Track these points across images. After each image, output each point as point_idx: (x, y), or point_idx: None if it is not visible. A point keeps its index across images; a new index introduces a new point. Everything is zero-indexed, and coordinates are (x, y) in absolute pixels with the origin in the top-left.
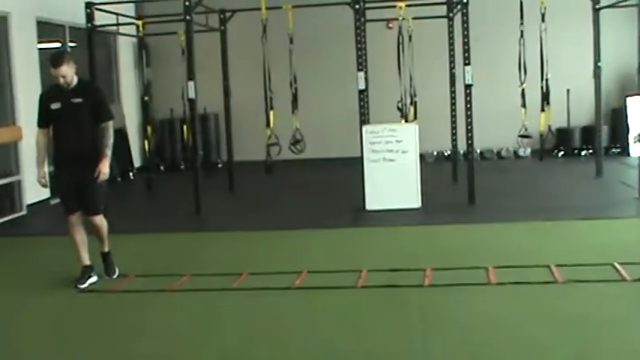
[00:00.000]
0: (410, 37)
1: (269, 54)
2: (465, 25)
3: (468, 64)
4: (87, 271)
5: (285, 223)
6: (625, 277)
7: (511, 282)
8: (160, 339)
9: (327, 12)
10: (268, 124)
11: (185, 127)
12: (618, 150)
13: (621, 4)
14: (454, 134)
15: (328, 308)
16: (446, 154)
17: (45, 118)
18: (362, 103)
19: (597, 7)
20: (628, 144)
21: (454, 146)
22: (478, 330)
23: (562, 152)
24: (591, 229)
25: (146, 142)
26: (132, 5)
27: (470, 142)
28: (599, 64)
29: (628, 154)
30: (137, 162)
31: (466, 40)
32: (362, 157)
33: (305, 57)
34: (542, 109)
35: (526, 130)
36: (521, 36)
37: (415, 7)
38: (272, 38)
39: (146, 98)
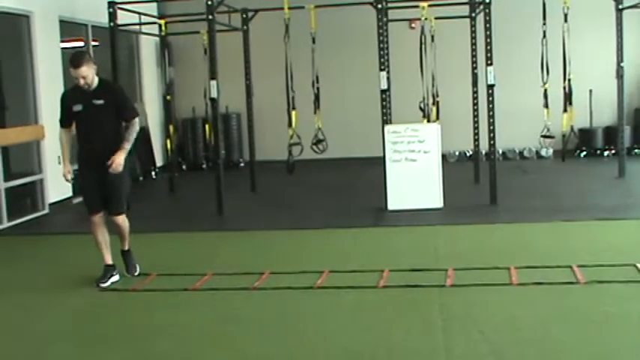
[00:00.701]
0: (432, 37)
1: (291, 54)
2: (488, 25)
3: (491, 64)
4: (109, 270)
5: (306, 222)
6: None
7: (533, 282)
8: (180, 337)
9: (349, 12)
10: (290, 124)
11: (207, 127)
12: None
13: None
14: (476, 134)
15: (349, 308)
16: (468, 154)
17: (67, 118)
18: (384, 103)
19: (620, 7)
20: None
21: (476, 146)
22: (499, 330)
23: (584, 152)
24: (613, 230)
25: (168, 142)
26: (154, 5)
27: (492, 142)
28: (621, 64)
29: None
30: (159, 161)
31: (488, 40)
32: (384, 157)
33: (327, 57)
34: (565, 110)
35: (548, 130)
36: (544, 36)
37: (437, 7)
38: (294, 38)
39: (168, 97)
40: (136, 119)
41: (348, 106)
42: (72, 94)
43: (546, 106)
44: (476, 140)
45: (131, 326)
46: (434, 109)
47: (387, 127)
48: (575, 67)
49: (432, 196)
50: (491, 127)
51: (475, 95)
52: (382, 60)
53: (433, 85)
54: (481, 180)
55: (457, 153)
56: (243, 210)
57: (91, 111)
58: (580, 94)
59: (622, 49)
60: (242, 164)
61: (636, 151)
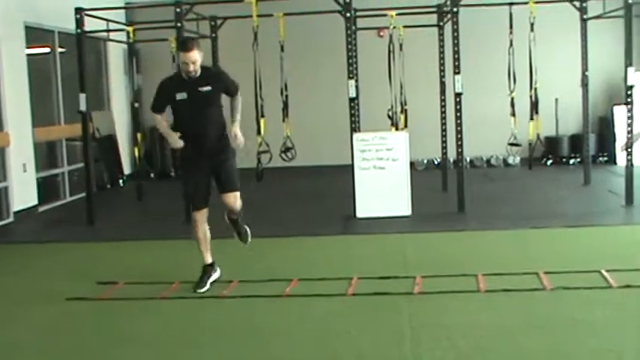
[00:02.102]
0: (401, 46)
1: (260, 62)
2: (455, 34)
3: (458, 72)
4: (209, 270)
5: (275, 230)
6: (612, 283)
7: (500, 289)
8: (148, 347)
9: (318, 20)
10: (259, 132)
11: None
12: (606, 158)
13: (608, 15)
14: (444, 142)
15: (318, 316)
16: (436, 162)
17: (163, 106)
18: (352, 111)
19: (585, 17)
20: (615, 152)
21: (444, 154)
22: (467, 337)
23: (551, 160)
24: (579, 237)
25: (136, 149)
26: (122, 11)
27: (460, 150)
28: (586, 73)
29: (615, 163)
30: (127, 169)
31: (456, 48)
32: (352, 165)
33: (296, 65)
34: (531, 118)
35: (515, 138)
36: (511, 45)
37: (406, 16)
38: (263, 46)
39: (136, 105)
40: (239, 93)
41: (316, 114)
42: (173, 82)
43: (513, 114)
44: (444, 148)
45: (99, 336)
46: (402, 117)
47: (355, 135)
48: (542, 76)
49: (400, 204)
50: (459, 135)
51: (443, 103)
52: (351, 68)
53: (401, 94)
54: (449, 188)
55: (425, 161)
56: (211, 218)
57: (197, 98)
58: (546, 103)
59: (587, 59)
60: None
61: (601, 159)
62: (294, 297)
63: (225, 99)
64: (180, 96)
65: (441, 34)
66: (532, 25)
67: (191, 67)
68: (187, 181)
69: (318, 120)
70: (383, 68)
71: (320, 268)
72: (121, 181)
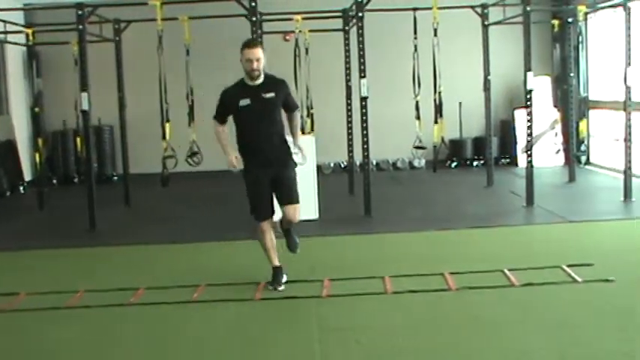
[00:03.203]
0: (307, 50)
1: (165, 65)
2: (361, 39)
3: (364, 76)
4: (280, 272)
5: (182, 236)
6: (514, 282)
7: (407, 290)
8: (53, 357)
9: (224, 23)
10: (164, 137)
11: (79, 140)
12: (508, 160)
13: (508, 21)
14: (350, 146)
15: (226, 321)
16: (342, 165)
17: (226, 115)
18: None
19: (486, 23)
20: (516, 154)
21: (350, 158)
22: (375, 338)
23: (455, 163)
24: (483, 237)
25: (37, 155)
26: (21, 13)
27: (366, 153)
28: (488, 77)
29: (516, 165)
30: (28, 175)
31: (362, 53)
32: None
33: (202, 68)
34: (436, 121)
35: (420, 141)
36: (415, 50)
37: (312, 20)
38: (168, 49)
39: (36, 109)
40: (297, 110)
41: None
42: (235, 90)
43: (418, 117)
44: (350, 151)
45: (3, 350)
46: (308, 120)
47: None
48: (446, 80)
49: (307, 208)
50: (365, 139)
51: (349, 107)
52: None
53: (308, 97)
54: (356, 191)
55: (332, 164)
56: (116, 225)
57: (260, 105)
58: (450, 107)
59: (488, 63)
60: (115, 178)
61: (503, 160)
62: (203, 302)
63: None
64: (244, 102)
65: (347, 39)
66: (435, 30)
67: (255, 65)
68: (251, 193)
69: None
70: (289, 72)
71: (228, 273)
72: (21, 187)
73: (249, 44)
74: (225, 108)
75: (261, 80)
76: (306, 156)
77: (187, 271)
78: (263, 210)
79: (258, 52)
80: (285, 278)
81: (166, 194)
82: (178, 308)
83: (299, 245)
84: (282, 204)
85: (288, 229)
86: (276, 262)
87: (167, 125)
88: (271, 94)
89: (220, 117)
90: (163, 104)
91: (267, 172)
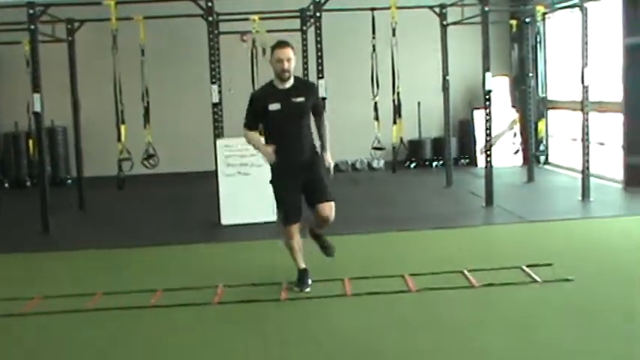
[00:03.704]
0: (263, 50)
1: (120, 66)
2: (319, 39)
3: (322, 77)
4: (307, 274)
5: (138, 240)
6: (474, 283)
7: (366, 292)
8: None
9: (180, 23)
10: (119, 139)
11: (31, 142)
12: (467, 160)
13: (466, 21)
14: None
15: (185, 326)
16: None
17: (257, 120)
18: (216, 116)
19: (445, 23)
20: (475, 155)
21: None
22: (335, 341)
23: (414, 163)
24: (443, 238)
25: None
26: None
27: None
28: (447, 77)
29: (476, 165)
30: None
31: (320, 53)
32: (216, 171)
33: (158, 69)
34: (395, 122)
35: (379, 142)
36: (373, 50)
37: (269, 20)
38: (123, 50)
39: None
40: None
41: (180, 120)
42: (265, 93)
43: (377, 118)
44: None
45: None
46: None
47: (218, 141)
48: (404, 80)
49: (265, 210)
50: None
51: None
52: (213, 73)
53: None
54: None
55: None
56: (70, 229)
57: (290, 109)
58: (409, 107)
59: (447, 63)
60: (69, 181)
61: (463, 161)
62: (160, 308)
63: None
64: (274, 107)
65: (305, 39)
66: (394, 30)
67: (285, 65)
68: (281, 197)
69: (182, 126)
70: (247, 73)
71: (185, 277)
72: None
73: (280, 44)
74: (255, 113)
75: (291, 83)
76: (331, 167)
77: (144, 275)
78: (293, 214)
79: (289, 52)
80: (310, 280)
81: (122, 197)
82: (136, 313)
83: (334, 248)
84: (316, 203)
85: (318, 234)
86: (303, 265)
87: (122, 127)
88: (301, 99)
89: (251, 123)
90: (118, 105)
91: (297, 176)
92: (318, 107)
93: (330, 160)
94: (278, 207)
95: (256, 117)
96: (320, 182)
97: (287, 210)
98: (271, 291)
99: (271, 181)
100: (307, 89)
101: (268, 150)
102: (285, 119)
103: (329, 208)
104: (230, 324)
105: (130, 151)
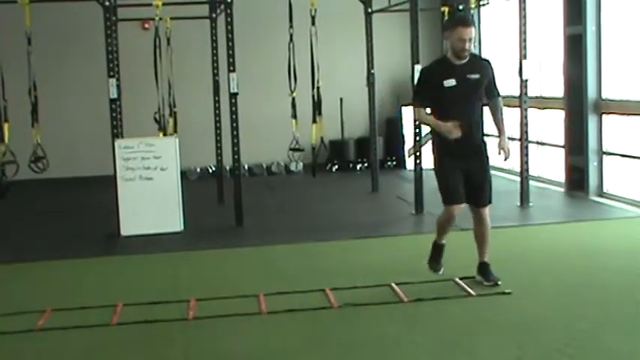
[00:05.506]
0: (168, 40)
1: (2, 56)
2: (229, 28)
3: (233, 70)
4: (442, 250)
5: (23, 254)
6: (402, 297)
7: (284, 310)
8: None
9: (73, 9)
10: (2, 139)
11: None
12: (394, 163)
13: (393, 8)
14: (219, 149)
15: (78, 351)
16: (211, 170)
17: (429, 97)
18: (114, 114)
19: (370, 10)
20: (404, 156)
21: (219, 162)
22: None
23: (336, 166)
24: (368, 249)
25: None
26: None
27: (236, 157)
28: (372, 71)
29: (404, 167)
30: None
31: (231, 44)
32: (115, 176)
33: (48, 61)
34: (314, 120)
35: (297, 143)
36: (291, 40)
37: (174, 6)
38: (5, 37)
39: None
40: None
41: (73, 118)
42: (439, 68)
43: (295, 116)
44: (219, 155)
45: None
46: (171, 120)
47: (117, 142)
48: (325, 74)
49: (170, 219)
50: (235, 141)
51: (217, 105)
52: (111, 65)
53: (170, 94)
54: (226, 199)
55: (199, 169)
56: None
57: (465, 87)
58: (330, 104)
59: (372, 55)
60: None
61: (390, 163)
62: (49, 330)
63: None
64: (448, 83)
65: (214, 28)
66: (313, 18)
67: (467, 45)
68: (443, 175)
69: (76, 125)
70: (149, 65)
71: (78, 295)
72: None
73: (464, 22)
74: (428, 89)
75: (466, 59)
76: (510, 155)
77: (32, 294)
78: (455, 193)
79: (472, 32)
80: (442, 270)
81: (5, 206)
82: (21, 338)
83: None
84: (471, 204)
85: (483, 264)
86: (443, 241)
87: (6, 126)
88: (476, 76)
89: (422, 98)
90: (1, 101)
91: (462, 163)
92: (493, 87)
93: (508, 146)
94: (440, 188)
95: (429, 93)
96: (479, 181)
97: (450, 190)
98: (177, 309)
99: (435, 167)
100: (482, 66)
101: (450, 126)
102: (459, 97)
103: (483, 214)
104: (129, 348)
105: (14, 154)
